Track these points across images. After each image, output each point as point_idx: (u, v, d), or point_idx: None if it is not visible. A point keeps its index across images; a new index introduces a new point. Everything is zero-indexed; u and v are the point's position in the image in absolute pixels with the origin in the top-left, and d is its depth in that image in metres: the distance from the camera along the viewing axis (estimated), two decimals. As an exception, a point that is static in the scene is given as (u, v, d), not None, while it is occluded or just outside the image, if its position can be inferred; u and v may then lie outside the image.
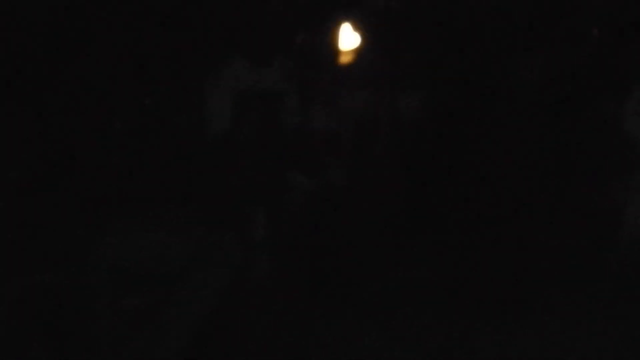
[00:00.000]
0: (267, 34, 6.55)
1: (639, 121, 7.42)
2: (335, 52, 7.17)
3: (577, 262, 6.74)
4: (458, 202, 6.52)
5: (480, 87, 6.95)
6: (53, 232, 5.30)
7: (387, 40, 7.36)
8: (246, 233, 5.61)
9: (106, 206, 5.35)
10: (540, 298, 6.31)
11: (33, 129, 5.39)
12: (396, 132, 6.87)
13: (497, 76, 7.07)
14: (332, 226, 6.19)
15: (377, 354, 5.71)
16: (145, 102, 5.86)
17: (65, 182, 5.36)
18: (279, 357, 5.48)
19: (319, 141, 6.58)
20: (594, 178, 7.04)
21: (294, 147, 6.39)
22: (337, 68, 7.15)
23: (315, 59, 7.04)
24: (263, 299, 5.61)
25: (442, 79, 7.07)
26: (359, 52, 7.27)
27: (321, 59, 7.12)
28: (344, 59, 7.31)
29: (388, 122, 6.90)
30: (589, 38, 7.68)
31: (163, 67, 6.19)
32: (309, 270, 5.97)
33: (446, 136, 6.78)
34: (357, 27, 7.29)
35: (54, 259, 5.27)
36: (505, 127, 6.77)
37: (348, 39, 7.23)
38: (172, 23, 6.50)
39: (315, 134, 6.61)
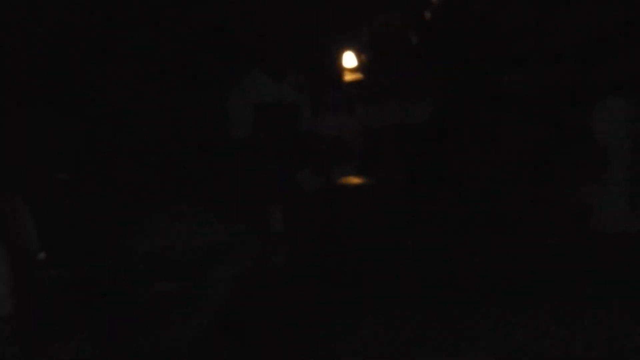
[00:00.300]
0: (283, 55, 6.55)
1: (608, 131, 7.42)
2: (339, 70, 7.21)
3: (556, 255, 6.70)
4: (452, 201, 6.51)
5: (475, 99, 6.96)
6: (97, 226, 5.13)
7: (381, 61, 7.41)
8: (264, 226, 5.54)
9: (143, 204, 5.20)
10: (526, 287, 6.19)
11: (78, 136, 5.30)
12: (392, 139, 6.81)
13: (490, 90, 7.07)
14: (339, 220, 6.11)
15: (382, 337, 5.55)
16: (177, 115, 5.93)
17: (108, 183, 5.24)
18: (292, 333, 5.35)
19: (327, 145, 6.52)
20: (569, 180, 6.98)
21: (305, 150, 6.38)
22: (341, 84, 7.20)
23: (324, 76, 7.08)
24: (279, 283, 5.51)
25: (437, 93, 7.08)
26: (359, 71, 7.34)
27: (328, 76, 7.18)
28: (347, 77, 7.39)
29: (385, 129, 6.87)
30: (565, 59, 7.67)
31: (197, 81, 6.16)
32: (319, 258, 5.92)
33: (437, 141, 6.79)
34: (356, 50, 7.40)
35: (99, 250, 5.10)
36: (495, 132, 6.74)
37: (350, 59, 7.32)
38: (208, 47, 6.58)
39: (324, 139, 6.55)
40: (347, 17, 7.78)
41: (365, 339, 5.50)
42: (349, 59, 7.28)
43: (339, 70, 7.16)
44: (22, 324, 5.33)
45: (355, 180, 6.30)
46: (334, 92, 6.82)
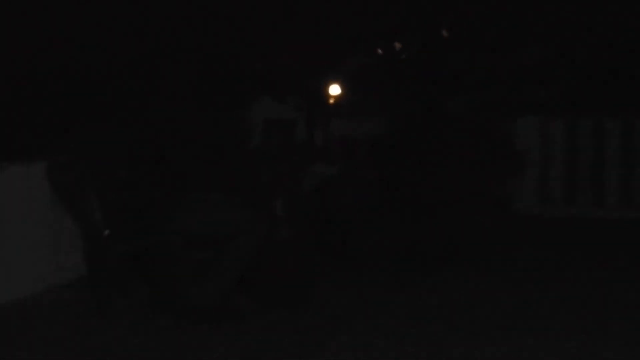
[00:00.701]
0: (285, 85, 6.47)
1: (524, 141, 7.51)
2: (327, 96, 7.14)
3: (487, 231, 6.69)
4: (411, 191, 6.40)
5: (428, 118, 6.89)
6: (148, 210, 5.13)
7: (358, 89, 7.35)
8: (271, 210, 5.51)
9: (182, 194, 5.13)
10: (466, 255, 6.24)
11: (137, 146, 5.20)
12: (365, 145, 6.76)
13: (437, 108, 7.03)
14: (327, 207, 6.05)
15: (358, 290, 5.62)
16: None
17: (157, 179, 5.15)
18: (292, 287, 5.36)
19: (319, 152, 6.44)
20: (496, 177, 6.96)
21: (301, 155, 6.27)
22: (328, 106, 7.12)
23: (315, 100, 6.93)
24: (282, 251, 5.42)
25: (398, 112, 7.02)
26: (342, 96, 7.26)
27: (319, 100, 7.06)
28: (332, 101, 7.33)
29: (359, 139, 6.80)
30: (492, 88, 7.73)
31: (224, 104, 6.08)
32: (312, 234, 5.85)
33: (402, 147, 6.68)
34: (340, 81, 7.31)
35: (149, 228, 5.11)
36: (442, 141, 6.66)
37: (334, 89, 7.25)
38: (233, 81, 6.51)
39: (314, 147, 6.47)
40: (332, 59, 7.81)
41: (346, 291, 5.54)
42: (334, 88, 7.17)
43: (326, 96, 7.05)
44: (93, 282, 5.43)
45: (338, 176, 6.26)
46: (322, 112, 6.71)
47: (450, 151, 6.58)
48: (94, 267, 5.21)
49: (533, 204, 7.59)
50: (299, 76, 6.70)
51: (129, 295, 5.32)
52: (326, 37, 10.15)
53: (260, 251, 5.14)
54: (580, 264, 6.19)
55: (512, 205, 7.48)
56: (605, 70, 10.74)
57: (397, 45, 10.02)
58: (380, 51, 8.82)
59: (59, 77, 13.87)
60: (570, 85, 9.50)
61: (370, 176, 6.39)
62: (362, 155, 6.60)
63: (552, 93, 8.32)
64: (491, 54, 8.32)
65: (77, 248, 5.79)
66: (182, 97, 5.45)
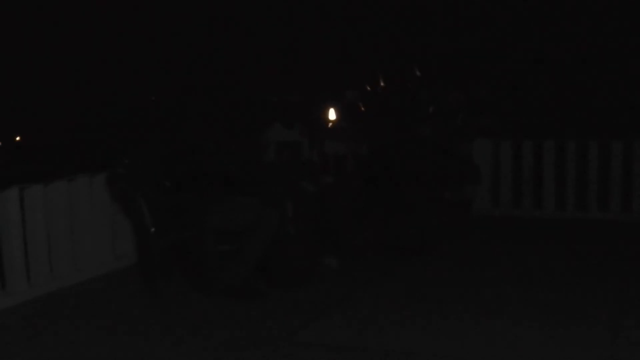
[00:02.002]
0: (293, 114, 6.38)
1: (480, 157, 7.49)
2: (326, 122, 7.03)
3: (450, 229, 6.72)
4: (390, 197, 6.36)
5: (402, 140, 6.88)
6: (185, 211, 5.09)
7: (352, 117, 7.22)
8: (282, 211, 5.41)
9: (212, 197, 5.12)
10: (433, 248, 6.23)
11: (177, 161, 5.18)
12: (357, 163, 6.66)
13: (409, 134, 7.02)
14: (324, 208, 5.98)
15: (348, 275, 5.58)
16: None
17: (192, 186, 5.07)
18: (298, 271, 5.35)
19: (318, 167, 6.37)
20: (458, 185, 6.93)
21: (305, 169, 6.22)
22: (327, 130, 6.98)
23: (316, 126, 6.88)
24: (290, 243, 5.40)
25: (380, 134, 7.00)
26: (339, 123, 7.14)
27: (319, 126, 6.97)
28: (329, 126, 7.18)
29: (353, 157, 6.68)
30: (453, 116, 7.71)
31: (245, 129, 6.14)
32: (313, 230, 5.78)
33: (383, 163, 6.65)
34: (337, 109, 7.15)
35: (186, 225, 5.08)
36: (414, 156, 6.64)
37: (333, 115, 7.09)
38: (252, 111, 6.66)
39: (316, 164, 6.42)
40: (330, 95, 7.75)
41: (338, 274, 5.56)
42: (331, 115, 6.97)
43: (324, 123, 6.85)
44: (143, 268, 5.43)
45: (333, 185, 6.20)
46: (322, 135, 6.57)
47: (421, 165, 6.54)
48: (144, 256, 5.25)
49: (487, 206, 7.58)
50: (304, 108, 6.61)
51: (171, 278, 5.34)
52: (325, 78, 10.20)
53: (273, 243, 5.10)
54: (523, 251, 6.19)
55: (471, 207, 7.45)
56: (542, 102, 10.83)
57: (382, 83, 10.05)
58: (368, 87, 8.81)
59: (115, 108, 13.95)
60: (515, 114, 9.57)
61: (358, 185, 6.31)
62: (351, 169, 6.48)
63: (500, 120, 8.33)
64: (453, 89, 8.30)
65: (130, 241, 5.84)
66: (213, 123, 5.48)
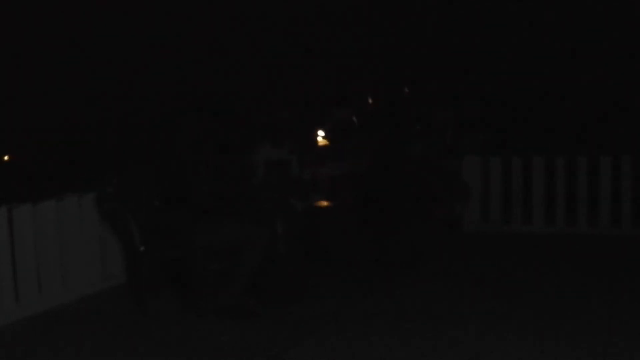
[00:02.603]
0: (282, 134, 6.39)
1: (469, 175, 7.52)
2: (314, 141, 7.05)
3: (442, 243, 6.77)
4: (381, 214, 6.38)
5: (392, 159, 6.90)
6: (174, 230, 5.08)
7: (339, 136, 7.30)
8: (272, 229, 5.41)
9: (202, 217, 5.13)
10: (424, 262, 6.26)
11: (166, 182, 5.23)
12: (345, 179, 6.68)
13: (399, 153, 7.05)
14: (315, 226, 6.02)
15: (339, 289, 5.63)
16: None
17: (181, 206, 5.15)
18: (289, 288, 5.37)
19: (307, 185, 6.37)
20: (448, 202, 6.96)
21: (294, 187, 6.21)
22: (315, 149, 7.03)
23: (305, 145, 6.90)
24: (281, 260, 5.41)
25: (371, 153, 7.00)
26: (326, 142, 7.17)
27: (308, 145, 7.01)
28: (319, 145, 7.25)
29: (341, 174, 6.71)
30: (440, 136, 7.78)
31: (236, 148, 6.09)
32: (304, 247, 5.77)
33: (373, 180, 6.67)
34: (325, 129, 7.21)
35: (176, 244, 5.10)
36: (404, 173, 6.67)
37: (321, 135, 7.12)
38: (242, 131, 6.52)
39: (305, 182, 6.42)
40: (319, 113, 7.77)
41: (329, 291, 5.56)
42: (321, 134, 7.05)
43: (314, 141, 6.93)
44: (132, 288, 5.44)
45: (323, 203, 6.23)
46: (311, 154, 6.64)
47: (412, 184, 6.56)
48: (133, 275, 5.26)
49: (477, 223, 7.63)
50: (293, 127, 6.64)
51: (160, 298, 5.30)
52: (314, 97, 10.25)
53: (264, 261, 5.09)
54: (512, 267, 6.23)
55: (461, 223, 7.48)
56: (530, 121, 10.93)
57: (370, 101, 10.12)
58: (357, 105, 8.85)
59: (104, 129, 13.96)
60: (503, 131, 9.63)
61: (348, 203, 6.33)
62: (341, 186, 6.50)
63: (488, 137, 8.38)
64: (441, 107, 8.37)
65: (119, 261, 5.84)
66: (203, 142, 5.41)
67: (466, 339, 4.52)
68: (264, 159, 6.26)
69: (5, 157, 14.31)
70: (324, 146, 6.97)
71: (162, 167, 5.36)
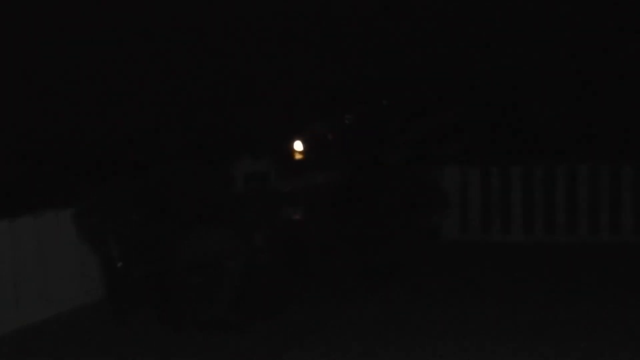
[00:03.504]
0: (261, 147, 6.44)
1: (448, 184, 7.59)
2: (293, 153, 7.07)
3: (421, 252, 6.84)
4: (360, 224, 6.42)
5: (371, 169, 6.92)
6: (154, 244, 5.13)
7: (317, 148, 7.29)
8: (253, 240, 5.45)
9: (182, 230, 5.15)
10: (404, 271, 6.33)
11: (145, 197, 5.22)
12: (324, 190, 6.73)
13: (379, 161, 7.06)
14: (294, 237, 6.03)
15: (321, 301, 5.68)
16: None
17: (160, 219, 5.14)
18: (271, 299, 5.37)
19: (286, 196, 6.36)
20: (427, 211, 7.03)
21: (273, 200, 6.20)
22: (294, 161, 7.07)
23: (284, 157, 6.96)
24: (262, 272, 5.41)
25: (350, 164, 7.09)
26: (304, 154, 7.21)
27: (286, 157, 7.06)
28: (297, 157, 7.27)
29: (320, 186, 6.79)
30: (419, 144, 7.84)
31: (216, 161, 6.07)
32: (284, 259, 5.77)
33: (352, 191, 6.69)
34: (303, 141, 7.21)
35: (155, 257, 5.12)
36: (383, 184, 6.70)
37: (299, 147, 7.13)
38: (222, 144, 6.63)
39: (284, 193, 6.42)
40: (297, 126, 7.81)
41: (311, 302, 5.59)
42: (298, 146, 7.17)
43: (292, 153, 7.01)
44: (112, 303, 5.42)
45: (302, 214, 6.23)
46: (288, 166, 6.72)
47: (390, 194, 6.62)
48: (112, 290, 5.24)
49: (456, 231, 7.70)
50: (271, 140, 6.68)
51: (139, 312, 5.29)
52: (292, 110, 10.30)
53: (245, 274, 5.09)
54: (491, 275, 6.30)
55: (440, 232, 7.55)
56: (507, 130, 11.01)
57: (348, 115, 10.17)
58: (336, 119, 8.88)
59: (81, 145, 13.90)
60: (482, 140, 9.72)
61: (328, 214, 6.36)
62: (319, 199, 6.53)
63: (466, 147, 8.46)
64: (420, 118, 8.45)
65: (98, 276, 5.82)
66: (181, 156, 5.47)
67: (445, 350, 4.57)
68: (243, 171, 6.27)
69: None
70: (302, 158, 6.93)
71: (141, 180, 5.36)
